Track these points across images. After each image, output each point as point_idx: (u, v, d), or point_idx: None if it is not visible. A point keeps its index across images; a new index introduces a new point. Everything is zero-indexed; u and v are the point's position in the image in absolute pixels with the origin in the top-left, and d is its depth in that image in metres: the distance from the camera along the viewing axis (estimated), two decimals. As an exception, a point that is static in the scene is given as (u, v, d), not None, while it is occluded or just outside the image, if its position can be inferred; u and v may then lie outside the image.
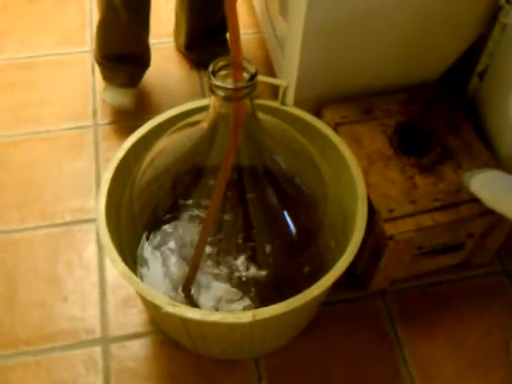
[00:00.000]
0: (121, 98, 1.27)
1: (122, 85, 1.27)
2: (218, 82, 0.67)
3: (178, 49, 1.44)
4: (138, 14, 1.18)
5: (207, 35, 1.35)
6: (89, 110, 1.33)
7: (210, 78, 0.68)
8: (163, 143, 0.85)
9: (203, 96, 1.35)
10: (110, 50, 1.23)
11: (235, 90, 0.67)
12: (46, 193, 1.18)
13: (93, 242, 1.10)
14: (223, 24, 1.28)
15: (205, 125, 0.76)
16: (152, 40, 1.27)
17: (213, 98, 0.71)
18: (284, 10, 1.11)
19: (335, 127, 1.00)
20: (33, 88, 1.38)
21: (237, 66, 0.66)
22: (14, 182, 1.20)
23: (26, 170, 1.22)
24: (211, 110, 0.73)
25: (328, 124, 0.95)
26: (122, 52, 1.22)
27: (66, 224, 1.13)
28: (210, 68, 0.68)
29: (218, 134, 0.75)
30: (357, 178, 0.86)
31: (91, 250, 1.09)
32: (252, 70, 0.67)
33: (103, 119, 1.31)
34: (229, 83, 0.68)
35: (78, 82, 1.39)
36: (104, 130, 1.29)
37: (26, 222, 1.13)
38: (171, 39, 1.44)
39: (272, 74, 1.30)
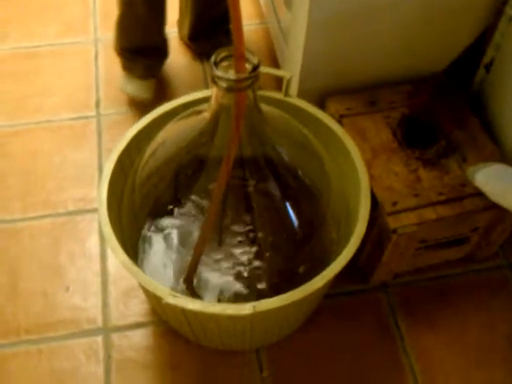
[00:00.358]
0: (139, 89, 1.28)
1: (141, 76, 1.28)
2: (219, 73, 0.66)
3: (182, 39, 1.43)
4: (155, 8, 1.19)
5: (211, 26, 1.34)
6: (92, 99, 1.32)
7: (211, 69, 0.67)
8: (165, 134, 0.85)
9: (206, 87, 1.34)
10: (128, 42, 1.25)
11: (237, 81, 0.66)
12: (48, 182, 1.18)
13: (95, 232, 1.10)
14: (227, 15, 1.27)
15: (207, 116, 0.76)
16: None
17: (215, 88, 0.70)
18: (288, 1, 1.10)
19: (339, 119, 0.99)
20: (36, 78, 1.37)
21: (239, 57, 0.66)
22: (17, 171, 1.20)
23: (28, 160, 1.22)
24: (213, 100, 0.72)
25: (332, 116, 0.95)
26: (140, 44, 1.24)
27: (68, 214, 1.13)
28: (212, 59, 0.68)
29: (220, 125, 0.75)
30: (360, 171, 0.85)
31: (93, 240, 1.09)
32: (255, 60, 0.66)
33: (106, 109, 1.31)
34: (231, 74, 0.67)
35: (81, 71, 1.39)
36: (107, 120, 1.28)
37: (29, 211, 1.13)
38: (175, 29, 1.43)
39: (276, 64, 1.29)
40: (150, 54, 1.27)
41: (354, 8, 0.90)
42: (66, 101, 1.32)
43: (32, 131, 1.26)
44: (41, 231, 1.10)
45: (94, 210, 1.13)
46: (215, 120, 0.75)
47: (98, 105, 1.31)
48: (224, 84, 0.67)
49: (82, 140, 1.25)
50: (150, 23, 1.21)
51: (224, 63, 0.69)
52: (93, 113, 1.30)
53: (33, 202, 1.15)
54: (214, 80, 0.68)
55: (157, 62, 1.31)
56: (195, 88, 1.18)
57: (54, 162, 1.21)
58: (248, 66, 0.67)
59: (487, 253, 1.04)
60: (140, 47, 1.24)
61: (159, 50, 1.29)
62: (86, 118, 1.29)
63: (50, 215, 1.13)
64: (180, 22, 1.41)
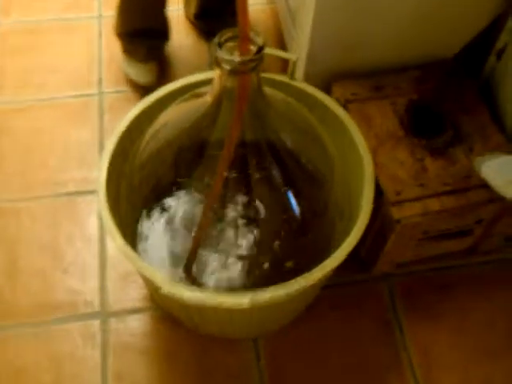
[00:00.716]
0: (142, 72, 1.25)
1: (142, 60, 1.25)
2: (222, 55, 0.64)
3: (188, 18, 1.40)
4: None
5: (219, 3, 1.31)
6: (94, 77, 1.30)
7: (215, 50, 0.65)
8: (167, 116, 0.83)
9: (211, 68, 1.31)
10: (129, 25, 1.22)
11: (241, 63, 0.64)
12: (49, 161, 1.17)
13: (95, 214, 1.09)
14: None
15: (209, 98, 0.74)
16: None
17: (217, 70, 0.68)
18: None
19: (345, 104, 0.97)
20: (38, 54, 1.35)
21: (243, 38, 0.63)
22: (18, 149, 1.18)
23: (30, 138, 1.20)
24: (216, 83, 0.70)
25: (338, 101, 0.93)
26: (141, 27, 1.22)
27: (68, 194, 1.12)
28: (216, 40, 0.66)
29: (223, 108, 0.73)
30: (365, 160, 0.83)
31: (92, 222, 1.08)
32: (259, 42, 0.64)
33: (109, 87, 1.29)
34: (235, 56, 0.65)
35: (84, 48, 1.36)
36: (109, 99, 1.27)
37: (29, 190, 1.12)
38: (177, 8, 1.39)
39: (283, 45, 1.27)
40: (150, 37, 1.24)
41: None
42: (69, 78, 1.30)
43: (34, 108, 1.25)
44: (40, 211, 1.09)
45: (95, 191, 1.12)
46: (217, 103, 0.73)
47: (100, 83, 1.29)
48: (227, 66, 0.65)
49: (84, 118, 1.23)
50: (151, 5, 1.18)
51: (228, 44, 0.67)
52: (95, 91, 1.28)
53: (33, 181, 1.13)
54: (217, 62, 0.66)
55: (158, 44, 1.28)
56: (200, 69, 1.16)
57: (55, 141, 1.20)
58: (253, 48, 0.65)
59: (491, 245, 1.02)
60: (141, 29, 1.22)
61: (160, 33, 1.27)
62: (89, 95, 1.27)
63: (49, 195, 1.11)
64: (186, 0, 1.38)
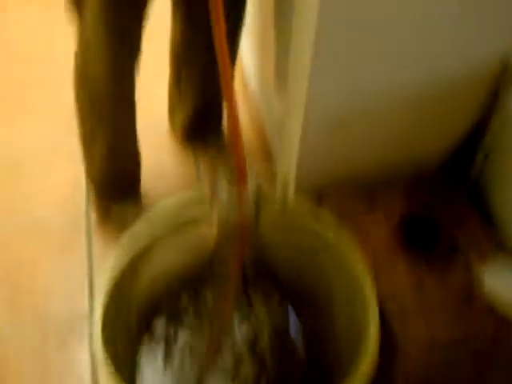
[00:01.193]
0: (124, 217, 1.18)
1: (123, 204, 1.21)
2: (222, 202, 0.65)
3: (173, 129, 1.39)
4: (129, 136, 1.16)
5: (206, 113, 1.31)
6: (82, 201, 1.27)
7: (214, 195, 0.65)
8: (161, 251, 0.81)
9: (199, 180, 1.29)
10: (104, 171, 1.18)
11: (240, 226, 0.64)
12: (36, 292, 1.12)
13: (85, 348, 1.03)
14: (220, 107, 1.27)
15: (207, 236, 0.73)
16: (143, 130, 1.19)
17: (215, 212, 0.68)
18: (282, 88, 1.09)
19: (338, 219, 0.97)
20: (21, 178, 1.32)
21: (241, 183, 0.64)
22: (4, 279, 1.14)
23: (16, 267, 1.16)
24: (214, 223, 0.70)
25: (330, 214, 0.92)
26: (114, 172, 1.18)
27: (57, 327, 1.07)
28: (215, 184, 0.66)
29: (221, 245, 0.72)
30: (368, 296, 0.79)
31: (84, 357, 1.02)
32: (257, 199, 0.65)
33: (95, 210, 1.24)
34: (234, 201, 0.65)
35: (69, 170, 1.32)
36: (96, 222, 1.23)
37: (16, 322, 1.07)
38: (159, 127, 1.40)
39: (268, 156, 1.28)
40: (125, 182, 1.22)
41: (351, 110, 0.90)
42: (54, 203, 1.27)
43: (19, 237, 1.21)
44: (28, 345, 1.04)
45: (84, 324, 1.07)
46: (217, 241, 0.72)
47: (88, 206, 1.26)
48: (227, 215, 0.65)
49: (71, 245, 1.19)
50: (124, 147, 1.16)
51: (223, 182, 0.67)
52: (82, 214, 1.24)
53: (19, 313, 1.09)
54: (215, 203, 0.66)
55: (133, 187, 1.24)
56: (189, 182, 1.14)
57: (42, 270, 1.15)
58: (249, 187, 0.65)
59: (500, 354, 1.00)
60: (114, 174, 1.18)
61: (133, 172, 1.23)
62: (75, 220, 1.24)
63: (37, 328, 1.06)
64: (171, 113, 1.37)
